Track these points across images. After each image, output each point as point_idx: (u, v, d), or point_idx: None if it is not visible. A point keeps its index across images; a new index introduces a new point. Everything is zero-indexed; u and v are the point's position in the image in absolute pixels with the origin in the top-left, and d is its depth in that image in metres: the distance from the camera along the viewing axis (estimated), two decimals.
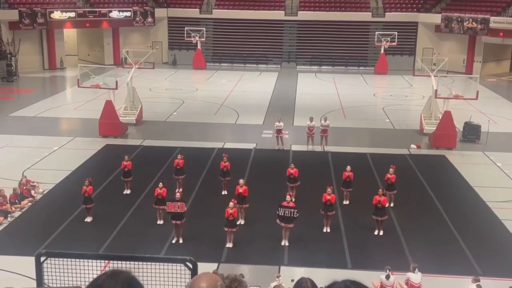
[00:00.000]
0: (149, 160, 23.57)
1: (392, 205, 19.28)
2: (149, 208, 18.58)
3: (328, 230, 17.48)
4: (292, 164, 20.11)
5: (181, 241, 16.61)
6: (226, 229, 16.33)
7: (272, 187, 20.53)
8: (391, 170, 19.44)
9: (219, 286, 2.64)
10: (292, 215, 16.27)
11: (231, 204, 16.36)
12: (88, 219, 18.00)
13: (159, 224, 17.71)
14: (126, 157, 20.54)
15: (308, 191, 19.96)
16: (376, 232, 17.31)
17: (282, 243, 16.49)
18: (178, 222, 16.51)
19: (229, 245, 16.34)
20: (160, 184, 17.93)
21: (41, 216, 18.45)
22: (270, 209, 18.50)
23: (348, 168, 19.72)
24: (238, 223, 17.29)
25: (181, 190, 18.94)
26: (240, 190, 17.91)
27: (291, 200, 16.77)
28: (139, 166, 21.97)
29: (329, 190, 17.43)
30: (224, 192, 20.05)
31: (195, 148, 25.40)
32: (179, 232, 16.68)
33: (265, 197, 19.59)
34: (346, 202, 19.62)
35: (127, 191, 20.24)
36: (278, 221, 16.45)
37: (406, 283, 14.21)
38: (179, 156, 20.69)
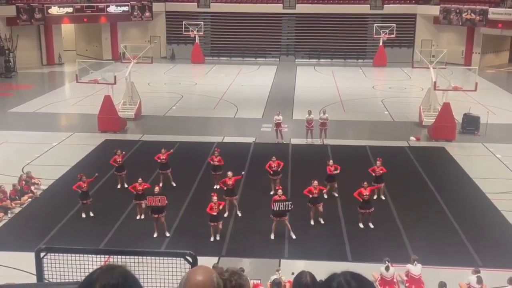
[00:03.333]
0: (148, 155, 23.52)
1: (383, 197, 19.31)
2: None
3: (322, 221, 17.50)
4: (273, 157, 20.05)
5: (167, 234, 16.60)
6: (211, 223, 16.31)
7: (270, 181, 20.50)
8: (378, 162, 19.40)
9: (215, 277, 2.66)
10: (286, 208, 16.31)
11: (214, 198, 16.36)
12: (85, 215, 17.99)
13: (138, 219, 17.70)
14: (118, 151, 20.56)
15: (307, 185, 19.92)
16: (361, 225, 17.27)
17: (272, 237, 16.49)
18: (160, 215, 16.54)
19: (212, 238, 16.34)
20: (140, 180, 17.95)
21: (41, 212, 18.46)
22: (270, 203, 18.52)
23: (331, 162, 19.70)
24: (239, 214, 17.39)
25: (160, 184, 19.08)
26: (229, 182, 17.94)
27: (282, 194, 16.88)
28: (138, 161, 21.96)
29: (315, 183, 17.46)
30: (216, 186, 20.02)
31: (194, 142, 25.39)
32: (159, 226, 16.66)
33: (265, 190, 19.59)
34: (336, 194, 19.58)
35: (119, 186, 20.28)
36: (271, 215, 16.48)
37: (406, 275, 14.26)
38: (162, 151, 20.65)
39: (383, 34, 46.26)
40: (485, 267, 14.36)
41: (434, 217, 18.24)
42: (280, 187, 17.84)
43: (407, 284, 14.20)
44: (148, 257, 4.80)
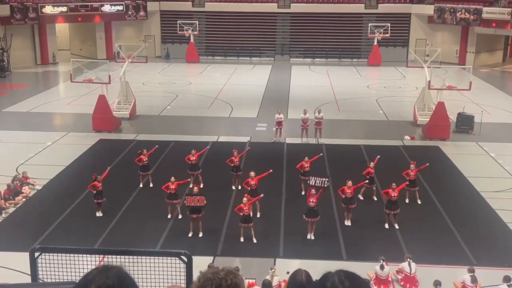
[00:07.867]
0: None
1: (419, 202, 19.11)
2: (144, 202, 18.63)
3: (349, 223, 17.43)
4: (306, 158, 19.94)
5: (200, 234, 16.52)
6: (243, 225, 16.24)
7: (267, 180, 20.46)
8: (412, 166, 19.24)
9: None
10: (322, 184, 16.26)
11: (245, 199, 16.30)
12: (99, 214, 17.94)
13: (169, 218, 17.73)
14: (144, 150, 20.50)
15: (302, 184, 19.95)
16: (386, 226, 17.24)
17: (308, 237, 16.44)
18: (198, 215, 16.47)
19: (242, 239, 16.32)
20: (172, 179, 17.78)
21: (36, 212, 18.41)
22: (265, 202, 18.52)
23: (372, 164, 19.55)
24: (258, 216, 17.63)
25: (191, 185, 18.77)
26: (252, 183, 17.90)
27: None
28: (133, 160, 21.89)
29: (349, 183, 17.40)
30: (239, 187, 19.96)
31: (189, 141, 25.33)
32: (198, 225, 16.61)
33: (261, 190, 19.54)
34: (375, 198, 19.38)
35: (142, 185, 20.26)
36: (304, 216, 16.44)
37: (399, 273, 14.30)
38: (192, 152, 20.39)
39: (377, 33, 46.31)
40: (479, 266, 14.42)
41: (428, 216, 18.27)
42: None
43: (402, 283, 14.25)
44: (143, 257, 4.80)
